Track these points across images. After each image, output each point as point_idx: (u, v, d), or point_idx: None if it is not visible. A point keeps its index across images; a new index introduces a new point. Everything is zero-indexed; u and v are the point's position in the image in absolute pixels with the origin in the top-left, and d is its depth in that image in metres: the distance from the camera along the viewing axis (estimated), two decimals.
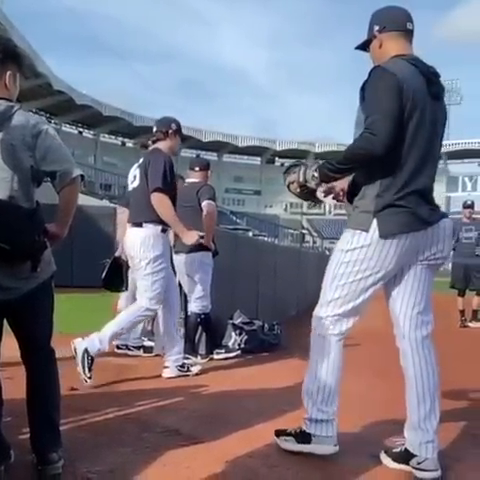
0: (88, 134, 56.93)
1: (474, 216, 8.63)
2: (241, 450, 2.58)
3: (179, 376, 4.08)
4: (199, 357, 4.68)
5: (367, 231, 2.33)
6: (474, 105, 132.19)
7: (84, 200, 16.48)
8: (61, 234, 2.22)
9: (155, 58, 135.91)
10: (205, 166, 4.92)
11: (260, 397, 3.63)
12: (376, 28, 2.46)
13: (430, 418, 2.37)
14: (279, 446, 2.61)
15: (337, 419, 2.52)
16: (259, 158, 70.27)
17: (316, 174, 2.47)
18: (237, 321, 5.15)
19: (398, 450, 2.45)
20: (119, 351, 5.03)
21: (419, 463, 2.33)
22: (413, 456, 2.36)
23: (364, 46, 2.52)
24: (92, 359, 3.72)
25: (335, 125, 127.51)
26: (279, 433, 2.64)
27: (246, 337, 5.04)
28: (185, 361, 4.23)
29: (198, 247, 4.59)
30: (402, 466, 2.40)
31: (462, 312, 8.23)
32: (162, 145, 4.14)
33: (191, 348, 4.63)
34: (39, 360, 2.25)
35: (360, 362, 5.09)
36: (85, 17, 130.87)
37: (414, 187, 2.31)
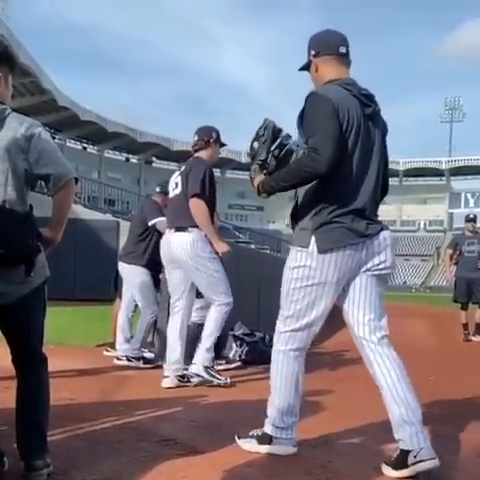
0: (92, 150, 57.26)
1: (477, 230, 8.61)
2: (239, 459, 2.55)
3: (178, 386, 4.05)
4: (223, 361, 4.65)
5: (307, 248, 2.44)
6: (476, 122, 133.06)
7: (87, 214, 16.63)
8: (55, 239, 2.20)
9: (159, 74, 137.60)
10: None
11: (260, 407, 3.57)
12: (312, 53, 2.58)
13: (412, 410, 2.40)
14: (278, 456, 2.59)
15: (297, 423, 2.62)
16: None
17: (253, 175, 2.56)
18: (238, 332, 5.12)
19: (395, 455, 2.42)
20: (119, 362, 5.01)
21: (415, 456, 2.32)
22: (409, 453, 2.34)
23: (307, 68, 2.63)
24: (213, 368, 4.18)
25: None
26: (240, 436, 2.70)
27: (247, 348, 5.01)
28: (185, 372, 4.20)
29: None
30: (403, 471, 2.35)
31: (465, 326, 8.17)
32: (203, 154, 4.23)
33: (191, 358, 4.59)
34: (31, 365, 2.22)
35: (358, 374, 5.07)
36: (90, 33, 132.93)
37: (351, 206, 2.42)
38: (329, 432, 2.99)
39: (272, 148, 2.52)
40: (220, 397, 3.82)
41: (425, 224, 67.84)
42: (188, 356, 4.60)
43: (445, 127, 73.10)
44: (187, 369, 4.30)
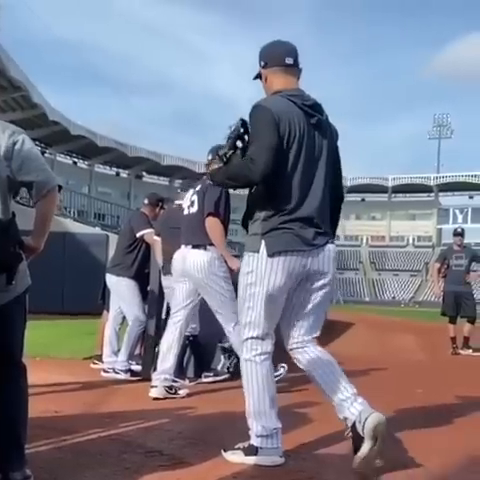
0: (83, 164, 57.16)
1: (464, 244, 8.66)
2: (226, 471, 2.52)
3: (166, 398, 4.01)
4: (187, 380, 4.62)
5: (258, 252, 2.51)
6: (464, 139, 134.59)
7: (77, 228, 16.59)
8: (38, 247, 2.17)
9: (150, 90, 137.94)
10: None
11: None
12: (261, 64, 2.66)
13: (346, 390, 2.54)
14: (265, 467, 2.56)
15: (281, 431, 2.60)
16: None
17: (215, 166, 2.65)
18: (226, 344, 5.08)
19: (350, 435, 2.47)
20: (106, 375, 4.97)
21: (360, 420, 2.41)
22: (355, 423, 2.43)
23: (260, 77, 2.72)
24: None
25: None
26: (226, 449, 2.68)
27: (235, 360, 4.97)
28: (173, 383, 4.17)
29: None
30: (364, 444, 2.36)
31: (453, 339, 8.17)
32: None
33: (179, 371, 4.56)
34: (10, 375, 2.16)
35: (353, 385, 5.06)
36: (81, 48, 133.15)
37: (299, 214, 2.50)
38: (317, 443, 2.98)
39: (236, 145, 2.58)
40: (207, 409, 3.79)
41: (414, 240, 68.19)
42: (179, 368, 4.59)
43: (433, 144, 73.94)
44: (176, 381, 4.27)
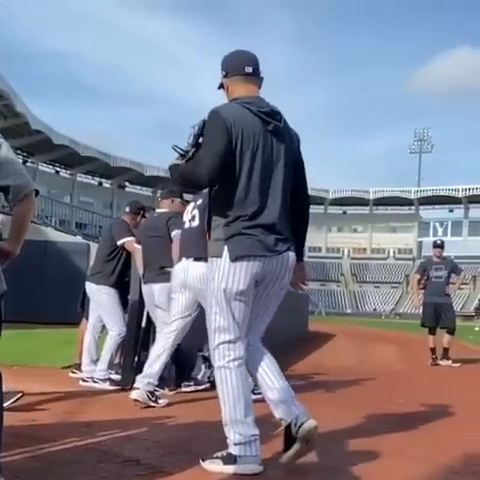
0: (65, 174, 56.83)
1: (444, 255, 8.75)
2: None
3: (146, 405, 3.99)
4: (167, 389, 4.58)
5: (221, 257, 2.55)
6: (445, 153, 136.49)
7: (58, 236, 16.45)
8: (14, 252, 2.14)
9: (134, 100, 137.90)
10: (175, 196, 4.89)
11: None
12: (223, 74, 2.72)
13: (284, 391, 2.62)
14: (244, 476, 2.54)
15: (259, 439, 2.57)
16: None
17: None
18: (207, 353, 5.06)
19: (284, 433, 2.58)
20: (85, 384, 4.91)
21: (295, 424, 2.53)
22: (290, 425, 2.55)
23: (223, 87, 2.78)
24: None
25: (307, 170, 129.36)
26: (205, 458, 2.66)
27: None
28: (156, 392, 4.14)
29: (168, 277, 4.56)
30: (295, 444, 2.53)
31: (433, 350, 8.22)
32: None
33: (159, 379, 4.52)
34: None
35: (328, 396, 5.08)
36: (65, 58, 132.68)
37: (260, 220, 2.54)
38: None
39: (198, 143, 2.63)
40: (186, 418, 3.76)
41: (394, 252, 68.75)
42: (159, 377, 4.54)
43: (414, 158, 74.83)
44: (157, 390, 4.23)
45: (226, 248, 2.54)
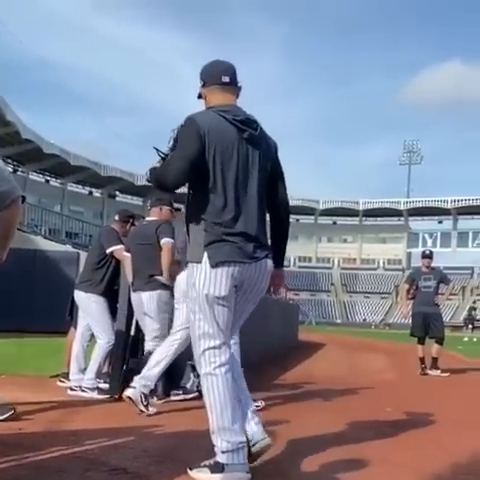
0: (55, 183, 56.61)
1: (433, 266, 8.79)
2: None
3: (138, 409, 4.00)
4: (155, 398, 4.55)
5: (200, 262, 2.56)
6: (434, 165, 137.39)
7: (47, 245, 16.36)
8: (0, 258, 2.14)
9: (124, 110, 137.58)
10: (163, 204, 4.88)
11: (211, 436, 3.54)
12: (201, 83, 2.78)
13: (247, 405, 2.73)
14: None
15: (246, 447, 2.57)
16: None
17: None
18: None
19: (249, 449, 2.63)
20: (73, 393, 4.87)
21: (251, 440, 2.65)
22: (249, 441, 2.63)
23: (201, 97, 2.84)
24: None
25: (298, 181, 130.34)
26: (192, 467, 2.65)
27: None
28: (150, 399, 4.15)
29: (157, 285, 4.57)
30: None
31: (422, 360, 8.24)
32: None
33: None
34: None
35: (317, 405, 5.08)
36: (56, 67, 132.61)
37: (238, 228, 2.57)
38: (284, 461, 2.97)
39: (173, 147, 2.68)
40: (175, 427, 3.75)
41: (384, 263, 68.93)
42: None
43: (404, 169, 75.14)
44: (151, 396, 4.25)
45: (206, 254, 2.55)
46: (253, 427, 2.66)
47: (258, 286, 2.69)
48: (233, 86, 2.76)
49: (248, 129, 2.64)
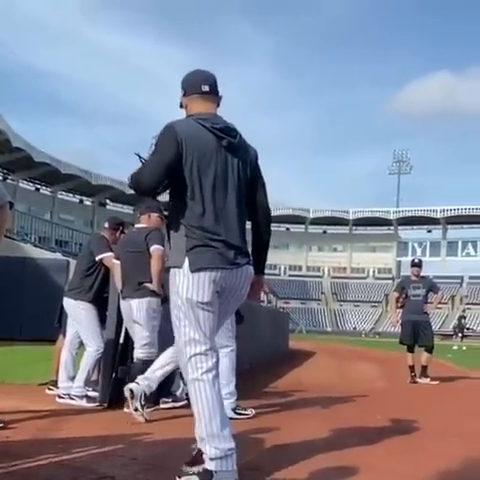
0: (45, 191, 56.39)
1: (422, 274, 8.83)
2: None
3: (134, 405, 4.01)
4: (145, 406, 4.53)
5: (181, 268, 2.57)
6: (423, 175, 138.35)
7: (37, 253, 16.28)
8: None
9: (115, 119, 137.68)
10: (152, 211, 4.87)
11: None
12: (182, 93, 2.82)
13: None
14: None
15: (235, 453, 2.54)
16: None
17: None
18: None
19: (192, 456, 2.65)
20: (61, 401, 4.84)
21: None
22: (203, 454, 2.56)
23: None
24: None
25: (289, 190, 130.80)
26: (181, 475, 2.64)
27: None
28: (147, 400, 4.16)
29: (146, 293, 4.56)
30: (200, 466, 2.56)
31: (412, 368, 8.26)
32: None
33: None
34: None
35: (308, 413, 5.08)
36: (47, 76, 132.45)
37: (218, 234, 2.59)
38: (273, 468, 2.96)
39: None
40: (164, 435, 3.73)
41: (374, 271, 69.15)
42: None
43: (393, 179, 75.91)
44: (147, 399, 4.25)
45: (187, 260, 2.56)
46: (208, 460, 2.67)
47: (239, 292, 2.71)
48: (213, 95, 2.80)
49: (227, 137, 2.68)
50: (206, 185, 2.61)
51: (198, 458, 2.60)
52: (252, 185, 2.78)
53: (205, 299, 2.56)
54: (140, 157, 2.73)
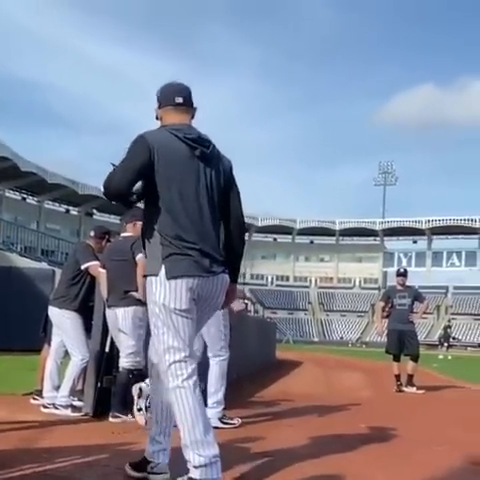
0: (32, 201, 56.10)
1: (407, 284, 8.89)
2: None
3: (138, 406, 4.02)
4: (130, 416, 4.50)
5: (158, 275, 2.59)
6: (408, 186, 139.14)
7: (22, 262, 16.16)
8: None
9: (102, 129, 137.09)
10: (137, 220, 4.86)
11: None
12: (157, 105, 2.87)
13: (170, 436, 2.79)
14: None
15: (219, 461, 2.54)
16: None
17: None
18: None
19: (139, 459, 2.84)
20: (46, 410, 4.80)
21: (152, 467, 2.76)
22: (149, 463, 2.78)
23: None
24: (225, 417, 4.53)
25: (276, 201, 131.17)
26: None
27: None
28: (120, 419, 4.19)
29: (132, 302, 4.55)
30: (138, 473, 2.79)
31: (398, 377, 8.30)
32: None
33: (122, 406, 4.46)
34: None
35: (293, 422, 5.08)
36: (34, 86, 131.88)
37: (192, 243, 2.61)
38: (258, 478, 2.96)
39: None
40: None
41: (360, 282, 69.43)
42: (122, 403, 4.48)
43: (379, 190, 76.14)
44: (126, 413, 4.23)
45: (163, 267, 2.58)
46: (160, 458, 2.78)
47: (215, 301, 2.73)
48: (187, 107, 2.83)
49: (199, 147, 2.71)
50: (179, 194, 2.64)
51: (143, 463, 2.78)
52: (226, 194, 2.81)
53: (182, 306, 2.57)
54: (114, 165, 2.74)
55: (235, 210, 2.86)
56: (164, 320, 2.58)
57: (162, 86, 2.88)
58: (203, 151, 2.71)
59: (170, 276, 2.56)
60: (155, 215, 2.64)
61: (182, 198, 2.64)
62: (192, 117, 2.85)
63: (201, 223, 2.67)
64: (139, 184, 2.64)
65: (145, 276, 2.69)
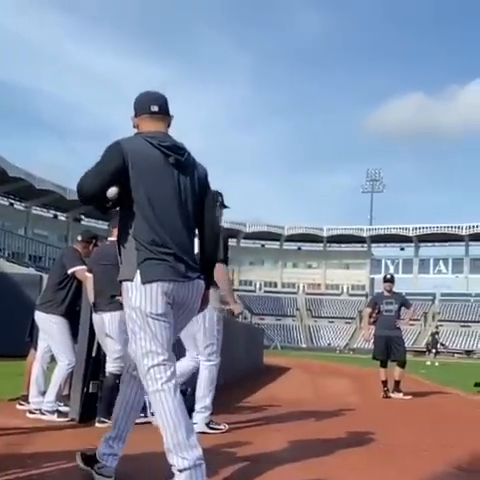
0: (20, 206, 55.78)
1: (394, 290, 8.94)
2: None
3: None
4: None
5: (132, 280, 2.60)
6: (395, 193, 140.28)
7: (9, 268, 16.04)
8: None
9: (90, 135, 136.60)
10: None
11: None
12: (133, 113, 2.89)
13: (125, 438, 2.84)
14: None
15: (204, 463, 2.54)
16: None
17: None
18: None
19: (89, 453, 2.85)
20: (32, 416, 4.76)
21: (99, 468, 2.76)
22: (97, 462, 2.78)
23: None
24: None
25: (264, 207, 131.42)
26: None
27: None
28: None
29: (119, 306, 4.53)
30: (84, 466, 2.81)
31: (384, 383, 8.33)
32: None
33: (107, 411, 4.43)
34: None
35: (281, 427, 5.09)
36: (25, 93, 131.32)
37: (167, 248, 2.62)
38: None
39: None
40: (135, 449, 3.67)
41: (348, 288, 69.71)
42: (108, 408, 4.45)
43: (366, 197, 76.73)
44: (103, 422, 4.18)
45: (138, 272, 2.59)
46: (109, 462, 2.79)
47: (191, 306, 2.76)
48: (163, 115, 2.85)
49: (174, 154, 2.73)
50: (154, 200, 2.65)
51: (92, 460, 2.78)
52: (201, 202, 2.84)
53: (158, 310, 2.58)
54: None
55: (210, 217, 2.89)
56: (141, 325, 2.59)
57: (138, 95, 2.90)
58: (177, 158, 2.74)
59: (145, 280, 2.57)
60: (130, 221, 2.66)
61: (157, 204, 2.65)
62: (168, 125, 2.87)
63: (176, 229, 2.69)
64: (115, 190, 2.65)
65: (121, 281, 2.68)
